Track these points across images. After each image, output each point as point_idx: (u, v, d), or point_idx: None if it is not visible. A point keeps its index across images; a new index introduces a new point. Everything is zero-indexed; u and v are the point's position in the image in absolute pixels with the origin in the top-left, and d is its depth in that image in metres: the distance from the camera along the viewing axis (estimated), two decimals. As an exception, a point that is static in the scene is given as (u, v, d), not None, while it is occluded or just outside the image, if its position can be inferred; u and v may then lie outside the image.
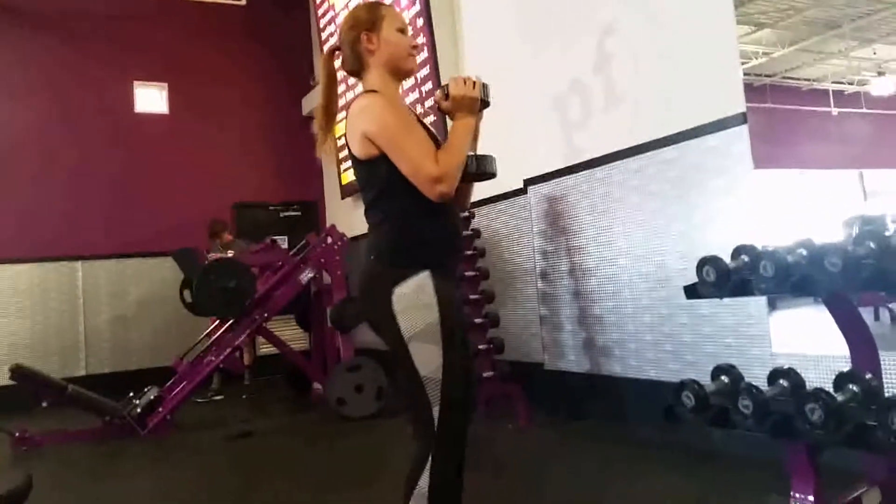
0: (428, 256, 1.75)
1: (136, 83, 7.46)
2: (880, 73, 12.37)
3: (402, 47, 1.89)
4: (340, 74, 1.99)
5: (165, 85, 7.59)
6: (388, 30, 1.87)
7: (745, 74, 3.32)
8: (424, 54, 5.40)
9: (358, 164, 1.80)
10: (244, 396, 6.19)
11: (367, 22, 1.87)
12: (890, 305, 6.61)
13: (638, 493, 2.80)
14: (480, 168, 1.91)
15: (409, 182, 1.72)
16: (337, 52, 1.95)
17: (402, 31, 1.91)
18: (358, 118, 1.76)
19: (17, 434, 4.39)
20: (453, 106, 1.81)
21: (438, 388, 1.68)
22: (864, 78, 12.49)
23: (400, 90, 1.96)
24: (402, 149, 1.71)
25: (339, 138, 6.62)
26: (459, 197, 1.85)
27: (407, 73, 1.93)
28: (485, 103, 1.86)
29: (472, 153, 1.86)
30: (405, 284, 1.71)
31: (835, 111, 13.06)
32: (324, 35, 7.55)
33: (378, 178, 1.77)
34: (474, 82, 1.82)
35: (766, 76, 11.78)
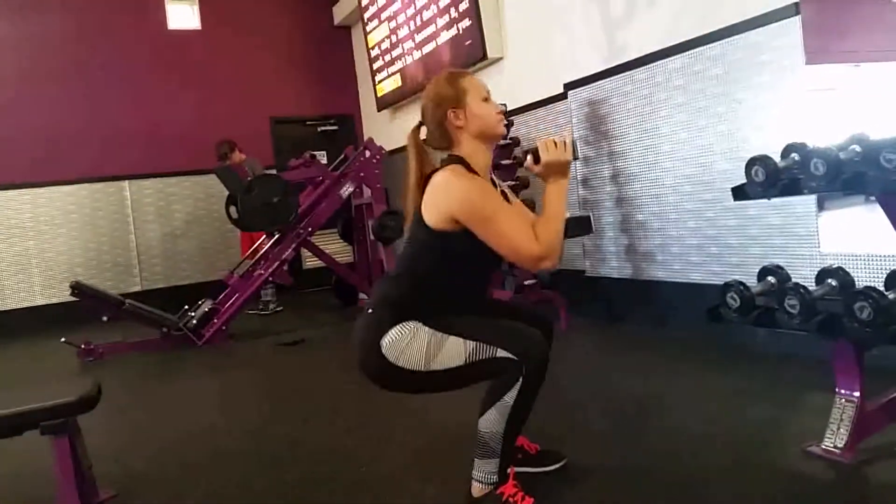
0: (422, 314, 1.77)
1: (167, 0, 7.36)
2: (947, -45, 11.49)
3: (491, 117, 1.86)
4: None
5: (196, 1, 7.47)
6: (475, 103, 1.84)
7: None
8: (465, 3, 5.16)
9: (423, 228, 1.79)
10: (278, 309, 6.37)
11: (452, 99, 1.84)
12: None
13: (676, 390, 2.85)
14: (576, 231, 1.91)
15: (459, 265, 1.79)
16: (422, 128, 1.90)
17: (487, 99, 1.87)
18: (444, 192, 1.74)
19: (81, 346, 4.64)
20: (545, 172, 1.81)
21: (482, 345, 1.71)
22: (930, -40, 11.62)
23: (490, 156, 1.93)
24: (499, 232, 1.72)
25: (373, 48, 6.46)
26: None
27: (498, 138, 1.92)
28: (575, 157, 1.84)
29: (568, 215, 1.85)
30: (389, 335, 1.74)
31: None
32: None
33: (438, 246, 1.78)
34: (565, 143, 1.79)
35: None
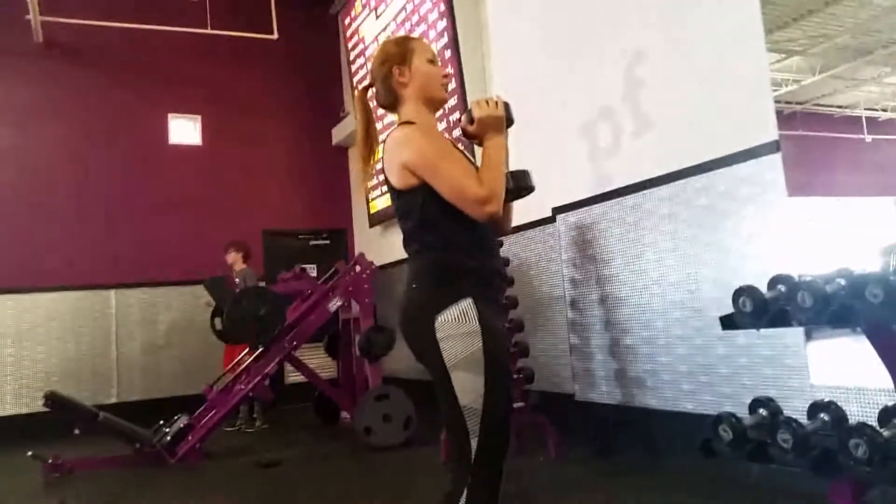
0: (470, 284, 1.74)
1: (170, 115, 7.64)
2: (914, 100, 12.20)
3: (433, 77, 1.92)
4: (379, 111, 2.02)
5: (199, 117, 7.75)
6: (419, 61, 1.90)
7: (775, 102, 3.29)
8: (452, 84, 5.45)
9: (396, 194, 1.82)
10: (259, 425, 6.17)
11: (397, 56, 1.91)
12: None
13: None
14: (519, 184, 1.91)
15: (447, 212, 1.74)
16: (370, 88, 1.98)
17: (432, 61, 1.94)
18: (396, 149, 1.78)
19: (49, 461, 4.43)
20: (479, 129, 1.83)
21: (478, 418, 1.66)
22: (899, 104, 12.33)
23: (434, 119, 1.98)
24: (444, 174, 1.73)
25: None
26: (502, 217, 1.84)
27: (440, 102, 1.96)
28: (509, 121, 1.86)
29: (507, 171, 1.86)
30: (448, 311, 1.70)
31: (868, 138, 12.88)
32: (354, 67, 7.68)
33: (416, 208, 1.78)
34: (496, 102, 1.83)
35: (797, 103, 11.66)
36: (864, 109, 12.59)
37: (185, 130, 7.70)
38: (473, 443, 1.65)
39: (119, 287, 7.05)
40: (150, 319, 7.18)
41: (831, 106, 12.38)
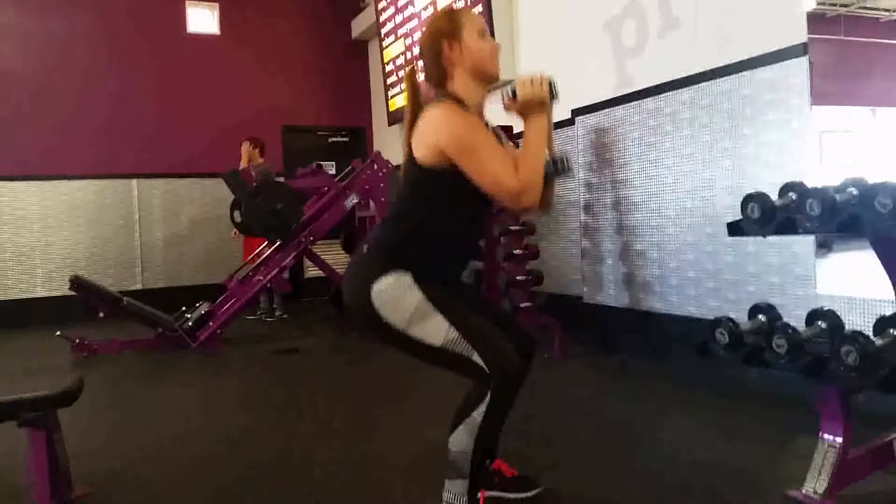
0: (415, 266, 1.76)
1: (188, 2, 7.45)
2: (968, 4, 11.51)
3: (485, 52, 1.85)
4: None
5: (217, 5, 7.56)
6: (470, 36, 1.83)
7: (818, 3, 3.13)
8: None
9: (414, 166, 1.79)
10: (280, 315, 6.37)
11: (447, 31, 1.84)
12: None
13: (665, 424, 2.82)
14: (558, 169, 1.89)
15: (454, 204, 1.77)
16: (419, 64, 1.91)
17: (483, 34, 1.86)
18: (433, 126, 1.74)
19: (76, 341, 4.64)
20: (522, 108, 1.79)
21: (464, 340, 1.70)
22: (950, 9, 11.64)
23: (484, 94, 1.91)
24: (482, 164, 1.70)
25: (388, 63, 6.52)
26: (543, 199, 1.82)
27: (493, 77, 1.89)
28: (554, 97, 1.81)
29: (548, 157, 1.83)
30: (382, 280, 1.73)
31: (915, 45, 12.24)
32: (375, -45, 7.37)
33: (428, 183, 1.77)
34: (541, 80, 1.78)
35: (842, 6, 11.06)
36: (914, 13, 11.92)
37: (203, 19, 7.54)
38: (476, 358, 1.70)
39: (141, 177, 7.13)
40: (172, 210, 7.30)
41: (878, 8, 11.73)
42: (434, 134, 1.73)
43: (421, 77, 1.93)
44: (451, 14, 1.89)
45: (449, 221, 1.82)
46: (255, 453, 2.64)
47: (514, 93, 1.79)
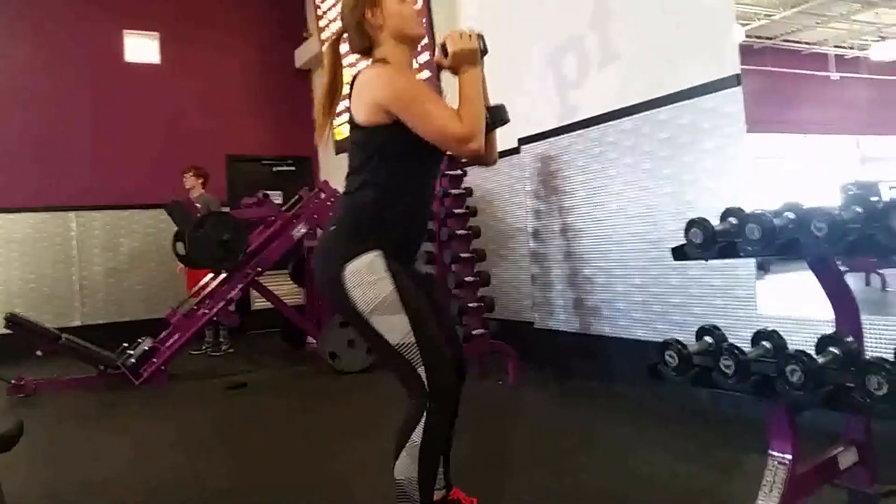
0: (386, 239, 1.77)
1: (125, 32, 7.33)
2: (882, 38, 12.23)
3: (407, 16, 1.87)
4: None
5: (157, 34, 7.46)
6: (391, 2, 1.85)
7: (745, 37, 3.29)
8: (419, 5, 5.31)
9: (357, 129, 1.79)
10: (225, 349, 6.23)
11: None
12: (881, 271, 6.66)
13: (619, 449, 2.86)
14: (495, 118, 1.91)
15: (404, 156, 1.76)
16: (343, 36, 1.92)
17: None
18: (368, 85, 1.75)
19: (12, 381, 4.44)
20: (454, 62, 1.80)
21: (416, 349, 1.71)
22: (866, 42, 12.35)
23: (411, 58, 1.92)
24: (424, 113, 1.71)
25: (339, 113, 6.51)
26: (487, 150, 1.84)
27: (418, 39, 1.91)
28: (484, 52, 1.84)
29: (485, 105, 1.85)
30: (355, 262, 1.73)
31: (835, 76, 12.94)
32: (319, -14, 7.40)
33: (372, 145, 1.77)
34: (470, 34, 1.80)
35: (767, 38, 11.60)
36: (832, 46, 12.60)
37: (142, 48, 7.41)
38: (421, 371, 1.71)
39: (79, 209, 6.91)
40: (112, 243, 7.09)
41: (800, 42, 12.36)
42: (371, 91, 1.74)
43: (345, 48, 1.92)
44: None
45: (404, 179, 1.80)
46: (206, 495, 2.56)
47: (444, 48, 1.81)
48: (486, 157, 1.91)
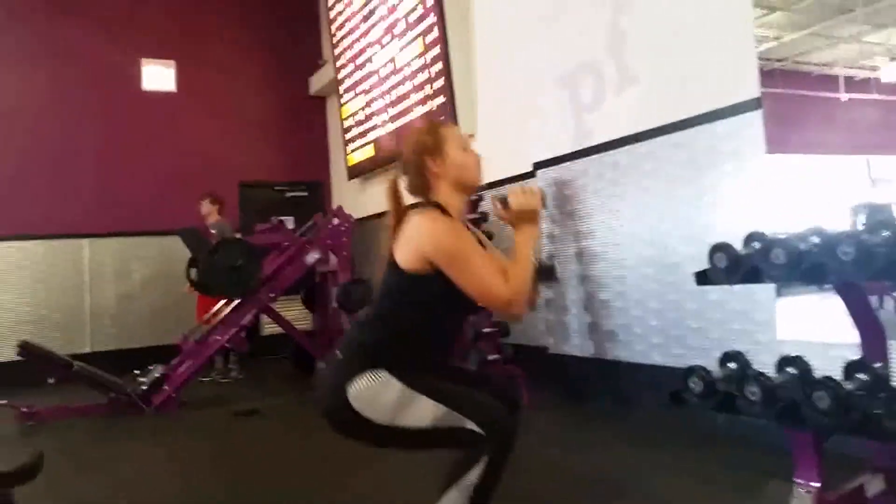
0: (392, 363, 1.74)
1: (143, 60, 7.43)
2: (892, 59, 12.22)
3: (469, 164, 1.89)
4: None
5: (173, 63, 7.55)
6: (454, 150, 1.87)
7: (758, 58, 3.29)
8: (435, 33, 5.36)
9: (396, 270, 1.79)
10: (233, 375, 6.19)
11: (431, 147, 1.87)
12: (894, 294, 6.58)
13: (637, 473, 2.81)
14: (544, 277, 1.92)
15: (433, 310, 1.78)
16: (402, 176, 1.92)
17: (466, 147, 1.91)
18: (418, 232, 1.75)
19: (23, 409, 4.42)
20: (515, 218, 1.83)
21: (454, 413, 1.68)
22: (876, 63, 12.35)
23: (465, 203, 1.95)
24: (470, 273, 1.72)
25: (346, 119, 6.57)
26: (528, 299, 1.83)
27: (474, 187, 1.94)
28: (544, 206, 1.86)
29: (535, 264, 1.85)
30: (357, 382, 1.70)
31: (845, 97, 12.92)
32: (332, 13, 7.48)
33: (411, 292, 1.78)
34: (533, 191, 1.82)
35: (777, 60, 11.63)
36: (843, 68, 12.61)
37: (158, 76, 7.50)
38: (470, 425, 1.67)
39: (92, 237, 6.95)
40: (124, 269, 7.11)
41: (809, 63, 12.37)
42: (419, 241, 1.74)
43: (402, 186, 1.93)
44: (434, 129, 1.92)
45: (433, 325, 1.82)
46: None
47: (505, 202, 1.83)
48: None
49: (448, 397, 1.70)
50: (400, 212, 1.87)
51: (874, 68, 12.45)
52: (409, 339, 1.78)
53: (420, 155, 1.86)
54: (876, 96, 12.81)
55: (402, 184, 1.93)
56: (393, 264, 1.79)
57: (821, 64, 12.41)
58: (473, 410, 1.68)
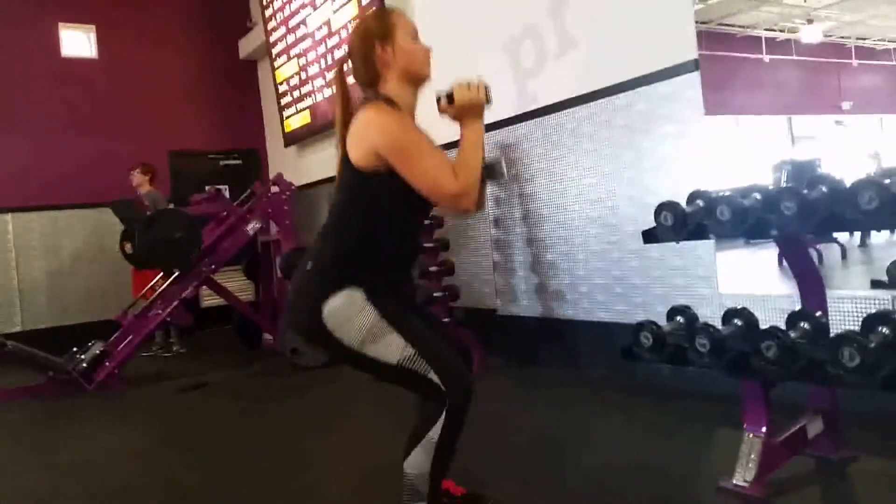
0: (367, 278, 1.73)
1: (61, 25, 7.02)
2: (809, 21, 12.67)
3: (418, 55, 1.85)
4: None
5: (93, 27, 7.16)
6: (403, 38, 1.83)
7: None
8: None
9: (350, 169, 1.75)
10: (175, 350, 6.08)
11: (379, 32, 1.81)
12: (818, 247, 6.93)
13: (590, 429, 2.92)
14: (491, 174, 1.90)
15: (392, 204, 1.74)
16: (347, 64, 1.88)
17: (415, 37, 1.86)
18: (368, 128, 1.71)
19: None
20: (460, 112, 1.79)
21: (420, 358, 1.69)
22: (795, 25, 12.78)
23: (416, 98, 1.90)
24: (419, 166, 1.69)
25: (281, 83, 6.37)
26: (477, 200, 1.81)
27: (424, 80, 1.89)
28: (489, 101, 1.82)
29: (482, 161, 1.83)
30: (333, 299, 1.69)
31: (766, 58, 13.36)
32: (261, -26, 7.22)
33: (367, 190, 1.74)
34: (478, 86, 1.78)
35: (702, 23, 11.90)
36: (764, 30, 13.00)
37: (78, 42, 7.12)
38: (433, 376, 1.69)
39: (16, 211, 6.62)
40: (53, 244, 6.81)
41: (734, 25, 12.71)
42: (368, 135, 1.71)
43: (350, 79, 1.90)
44: (382, 15, 1.88)
45: (392, 227, 1.79)
46: (177, 496, 2.50)
47: (450, 97, 1.79)
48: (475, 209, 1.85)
49: (417, 341, 1.70)
50: (347, 106, 1.85)
51: (794, 30, 12.89)
52: (376, 245, 1.77)
53: (368, 41, 1.81)
54: (795, 57, 13.29)
55: (349, 74, 1.89)
56: (346, 162, 1.76)
57: (744, 26, 12.78)
58: (439, 364, 1.70)
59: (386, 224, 1.78)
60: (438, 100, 1.82)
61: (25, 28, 6.82)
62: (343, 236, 1.78)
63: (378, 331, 1.69)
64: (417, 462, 1.72)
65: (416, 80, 1.86)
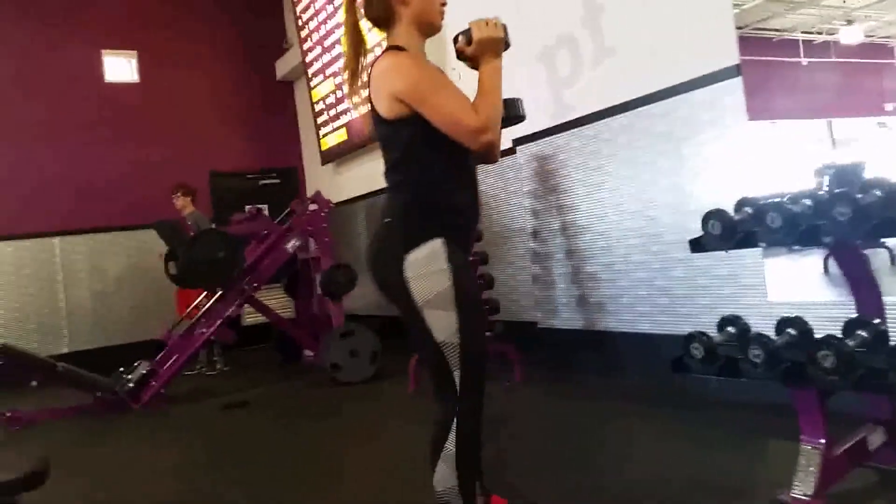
0: (443, 224, 1.73)
1: (104, 52, 7.23)
2: (849, 22, 12.41)
3: (435, 3, 1.82)
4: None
5: (135, 53, 7.37)
6: None
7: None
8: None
9: (382, 123, 1.76)
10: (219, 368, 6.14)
11: None
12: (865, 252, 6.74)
13: (637, 446, 2.85)
14: (510, 112, 1.88)
15: (434, 145, 1.70)
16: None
17: None
18: (385, 77, 1.71)
19: (8, 414, 4.33)
20: (477, 50, 1.76)
21: (457, 352, 1.69)
22: (834, 27, 12.53)
23: (424, 46, 1.87)
24: (439, 104, 1.67)
25: (317, 103, 6.46)
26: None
27: (435, 31, 1.86)
28: (507, 44, 1.80)
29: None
30: (418, 251, 1.69)
31: (804, 61, 13.13)
32: (295, -3, 7.35)
33: (401, 139, 1.73)
34: (496, 23, 1.76)
35: (738, 28, 11.76)
36: (801, 33, 12.79)
37: (120, 68, 7.32)
38: (456, 375, 1.69)
39: (63, 234, 6.80)
40: (98, 266, 6.97)
41: (770, 29, 12.53)
42: (387, 83, 1.70)
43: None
44: None
45: (441, 171, 1.76)
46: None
47: (468, 35, 1.76)
48: (492, 152, 1.82)
49: (468, 336, 1.69)
50: (358, 47, 1.83)
51: (832, 32, 12.62)
52: (436, 193, 1.75)
53: None
54: (835, 59, 13.00)
55: (362, 14, 1.86)
56: (376, 118, 1.76)
57: (780, 30, 12.60)
58: (468, 370, 1.69)
59: (435, 169, 1.75)
60: (455, 40, 1.79)
61: (71, 57, 7.04)
62: (404, 192, 1.77)
63: (443, 301, 1.67)
64: (443, 477, 1.70)
65: (428, 28, 1.84)
